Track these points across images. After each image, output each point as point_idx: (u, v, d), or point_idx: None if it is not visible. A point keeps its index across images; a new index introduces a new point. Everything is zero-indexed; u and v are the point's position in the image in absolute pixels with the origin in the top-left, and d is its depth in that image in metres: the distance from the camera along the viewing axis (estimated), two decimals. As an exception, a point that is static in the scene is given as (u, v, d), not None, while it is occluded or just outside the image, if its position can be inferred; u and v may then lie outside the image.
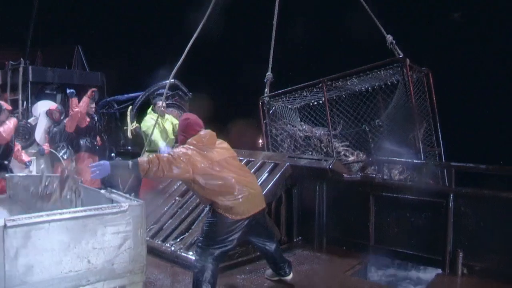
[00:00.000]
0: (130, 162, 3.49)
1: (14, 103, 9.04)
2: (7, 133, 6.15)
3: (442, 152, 5.85)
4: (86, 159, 7.36)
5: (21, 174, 5.02)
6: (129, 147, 8.10)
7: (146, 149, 6.44)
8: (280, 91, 6.26)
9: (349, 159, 5.82)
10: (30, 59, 9.59)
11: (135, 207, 2.87)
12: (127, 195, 3.10)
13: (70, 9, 10.44)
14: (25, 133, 8.09)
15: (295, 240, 5.66)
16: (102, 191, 3.30)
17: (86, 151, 7.42)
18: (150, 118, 6.81)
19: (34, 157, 7.55)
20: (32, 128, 8.11)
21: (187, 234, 5.02)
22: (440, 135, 5.79)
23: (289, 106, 6.43)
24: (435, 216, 4.74)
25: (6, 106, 6.36)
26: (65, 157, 7.19)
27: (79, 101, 7.23)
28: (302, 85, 6.05)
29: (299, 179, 5.62)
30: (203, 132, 3.86)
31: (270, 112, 6.41)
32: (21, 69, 8.89)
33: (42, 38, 9.92)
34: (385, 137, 5.67)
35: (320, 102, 6.03)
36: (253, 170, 5.54)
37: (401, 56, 5.32)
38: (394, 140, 5.54)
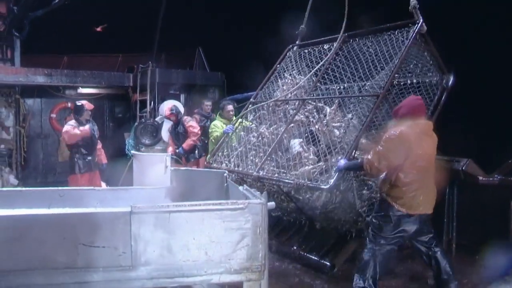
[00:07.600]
0: None
1: (143, 103, 9.71)
2: (71, 139, 6.47)
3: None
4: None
5: (183, 168, 5.44)
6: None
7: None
8: (309, 41, 6.16)
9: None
10: (156, 63, 10.19)
11: (254, 206, 2.81)
12: (258, 194, 3.05)
13: (190, 12, 10.84)
14: (152, 131, 8.61)
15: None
16: (240, 187, 3.37)
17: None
18: (217, 126, 6.66)
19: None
20: (159, 126, 8.59)
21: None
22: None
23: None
24: None
25: (88, 105, 6.59)
26: (197, 156, 7.57)
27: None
28: (325, 38, 5.86)
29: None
30: None
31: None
32: (149, 72, 9.54)
33: (165, 42, 10.45)
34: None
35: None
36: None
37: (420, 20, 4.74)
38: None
